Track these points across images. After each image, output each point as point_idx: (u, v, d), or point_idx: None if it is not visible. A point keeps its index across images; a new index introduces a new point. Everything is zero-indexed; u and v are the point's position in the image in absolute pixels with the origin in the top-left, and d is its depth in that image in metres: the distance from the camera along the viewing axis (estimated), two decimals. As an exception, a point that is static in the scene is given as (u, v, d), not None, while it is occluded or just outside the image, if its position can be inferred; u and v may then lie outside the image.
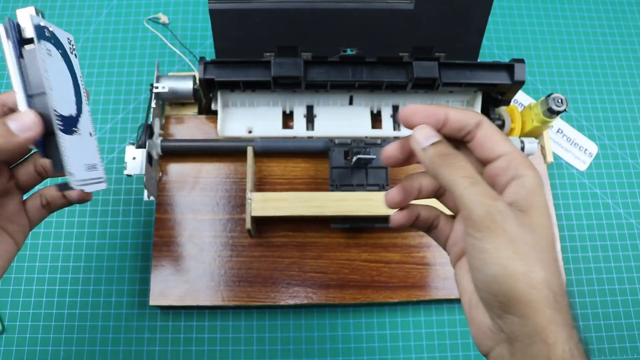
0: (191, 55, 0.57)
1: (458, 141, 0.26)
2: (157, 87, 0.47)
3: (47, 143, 0.28)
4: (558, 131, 0.56)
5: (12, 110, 0.28)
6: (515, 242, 0.22)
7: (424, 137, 0.25)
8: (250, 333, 0.46)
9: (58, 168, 0.28)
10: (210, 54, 0.57)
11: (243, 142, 0.48)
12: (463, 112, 0.25)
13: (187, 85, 0.48)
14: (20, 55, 0.26)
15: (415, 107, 0.25)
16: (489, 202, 0.22)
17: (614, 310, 0.49)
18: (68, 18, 0.59)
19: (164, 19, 0.59)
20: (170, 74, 0.50)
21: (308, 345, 0.46)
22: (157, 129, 0.48)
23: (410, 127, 0.26)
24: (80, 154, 0.29)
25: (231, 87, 0.48)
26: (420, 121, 0.25)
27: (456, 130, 0.25)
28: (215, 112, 0.49)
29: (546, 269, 0.22)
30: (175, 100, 0.50)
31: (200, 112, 0.51)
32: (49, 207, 0.32)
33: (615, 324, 0.49)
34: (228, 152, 0.49)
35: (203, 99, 0.50)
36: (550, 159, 0.50)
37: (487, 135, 0.25)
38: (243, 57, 0.46)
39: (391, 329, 0.47)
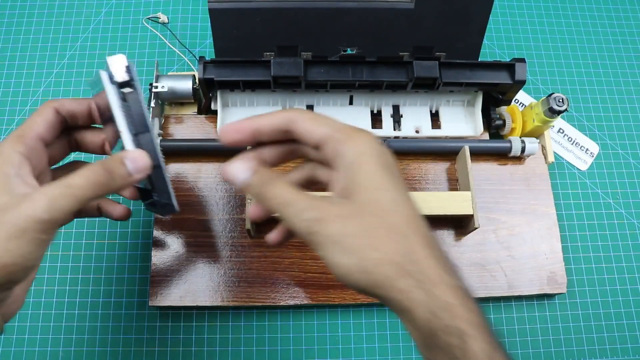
0: (191, 54, 0.57)
1: (289, 140, 0.26)
2: (156, 87, 0.47)
3: (152, 176, 0.31)
4: (559, 131, 0.56)
5: (64, 116, 0.29)
6: (340, 241, 0.22)
7: (236, 174, 0.25)
8: (250, 334, 0.46)
9: (165, 197, 0.32)
10: (210, 54, 0.57)
11: (243, 142, 0.47)
12: (272, 117, 0.25)
13: (186, 85, 0.48)
14: (122, 98, 0.29)
15: (227, 126, 0.26)
16: (304, 217, 0.23)
17: (615, 311, 0.49)
18: (67, 17, 0.59)
19: (163, 18, 0.59)
20: (169, 73, 0.49)
21: (308, 345, 0.46)
22: (156, 129, 0.48)
23: (232, 145, 0.26)
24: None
25: (231, 86, 0.48)
26: (232, 138, 0.26)
27: (274, 135, 0.25)
28: (215, 112, 0.49)
29: (378, 248, 0.22)
30: (174, 99, 0.50)
31: (199, 112, 0.51)
32: (78, 214, 0.33)
33: (616, 324, 0.49)
34: (228, 152, 0.49)
35: (203, 98, 0.50)
36: (551, 158, 0.50)
37: (302, 127, 0.25)
38: (243, 56, 0.46)
39: (391, 329, 0.47)
